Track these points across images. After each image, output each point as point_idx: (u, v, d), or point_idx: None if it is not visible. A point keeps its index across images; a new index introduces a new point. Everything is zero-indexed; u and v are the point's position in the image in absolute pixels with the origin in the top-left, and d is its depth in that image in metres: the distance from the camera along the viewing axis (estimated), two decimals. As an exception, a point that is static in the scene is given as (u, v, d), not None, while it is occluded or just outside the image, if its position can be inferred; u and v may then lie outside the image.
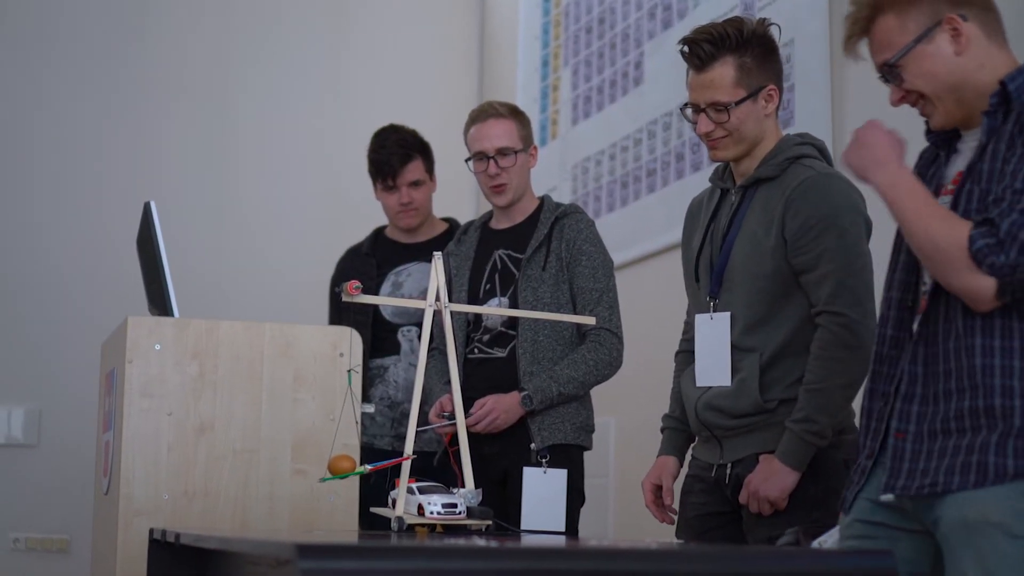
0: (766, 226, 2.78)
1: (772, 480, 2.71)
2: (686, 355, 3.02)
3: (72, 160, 5.53)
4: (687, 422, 2.96)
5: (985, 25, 2.20)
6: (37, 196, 5.48)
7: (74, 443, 4.97)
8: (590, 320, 2.90)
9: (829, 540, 2.37)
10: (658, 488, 2.96)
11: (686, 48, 2.83)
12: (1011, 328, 2.09)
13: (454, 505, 2.39)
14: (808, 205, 2.74)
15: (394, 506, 2.47)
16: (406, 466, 2.45)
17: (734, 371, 2.79)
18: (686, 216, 3.07)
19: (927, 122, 2.29)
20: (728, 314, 2.80)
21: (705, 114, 2.82)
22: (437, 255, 2.51)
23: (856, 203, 2.78)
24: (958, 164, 2.24)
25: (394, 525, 2.41)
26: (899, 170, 2.17)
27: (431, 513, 2.37)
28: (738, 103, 2.79)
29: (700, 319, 2.86)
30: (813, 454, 2.73)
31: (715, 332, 2.82)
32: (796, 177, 2.78)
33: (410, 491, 2.44)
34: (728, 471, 2.81)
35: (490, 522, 2.44)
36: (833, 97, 3.70)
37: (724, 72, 2.79)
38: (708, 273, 2.88)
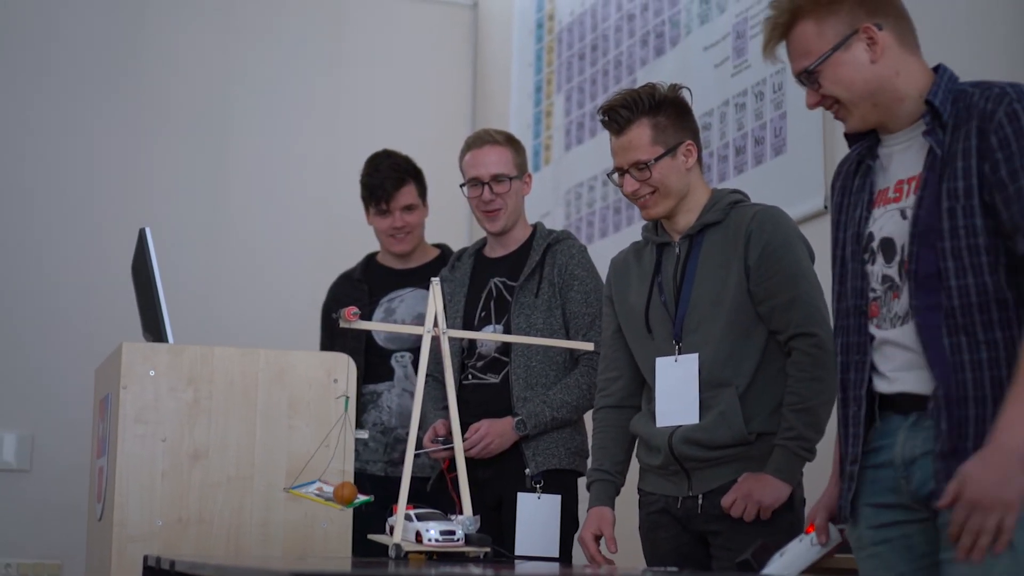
0: (724, 264, 2.90)
1: (768, 488, 2.79)
2: (612, 411, 3.10)
3: (67, 186, 5.54)
4: (614, 474, 3.08)
5: (899, 34, 2.29)
6: (32, 221, 5.49)
7: (67, 468, 4.96)
8: (587, 346, 2.92)
9: (791, 549, 2.40)
10: (597, 539, 3.03)
11: (604, 117, 2.98)
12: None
13: (452, 532, 2.37)
14: (765, 235, 2.87)
15: (391, 533, 2.44)
16: (403, 493, 2.43)
17: (707, 407, 2.87)
18: (610, 275, 3.17)
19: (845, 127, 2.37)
20: (695, 355, 2.87)
21: (629, 175, 2.94)
22: (435, 281, 2.51)
23: (800, 232, 2.96)
24: (893, 171, 2.31)
25: (391, 553, 2.39)
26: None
27: (429, 540, 2.35)
28: (657, 159, 2.92)
29: (662, 363, 2.93)
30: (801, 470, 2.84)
31: (680, 374, 2.89)
32: (744, 214, 2.92)
33: (408, 518, 2.41)
34: (700, 502, 2.86)
35: (488, 549, 2.43)
36: (825, 124, 3.72)
37: (640, 133, 2.94)
38: (665, 322, 2.95)
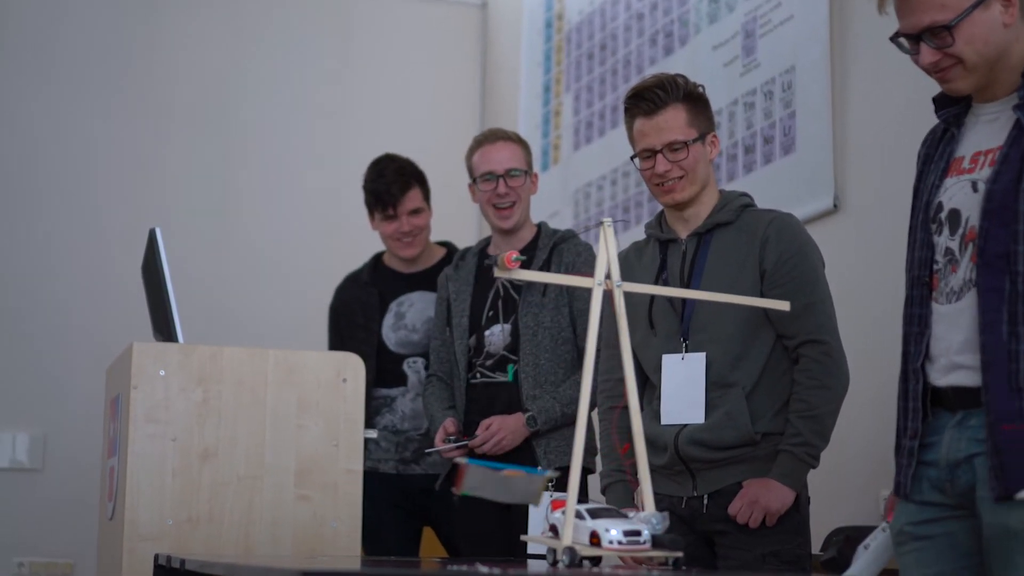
0: (738, 265, 2.89)
1: (774, 493, 2.79)
2: (621, 411, 3.02)
3: (77, 187, 5.56)
4: (632, 474, 3.00)
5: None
6: (42, 222, 5.51)
7: (79, 468, 4.98)
8: (783, 305, 2.49)
9: (873, 542, 2.38)
10: None
11: (634, 99, 2.96)
12: None
13: (638, 533, 1.98)
14: (782, 242, 2.88)
15: (554, 533, 2.07)
16: (573, 485, 2.00)
17: (713, 406, 2.86)
18: None
19: (941, 92, 2.26)
20: (703, 354, 2.87)
21: (662, 155, 2.92)
22: (607, 222, 2.14)
23: (814, 241, 2.96)
24: (973, 141, 2.24)
25: (563, 559, 1.97)
26: None
27: (610, 543, 1.96)
28: (693, 141, 2.92)
29: (669, 360, 2.92)
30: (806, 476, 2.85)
31: (687, 372, 2.88)
32: (760, 219, 2.93)
33: (578, 515, 2.02)
34: (705, 502, 2.86)
35: (680, 553, 2.02)
36: (834, 123, 3.72)
37: (676, 114, 2.94)
38: (670, 319, 2.94)
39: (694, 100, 2.96)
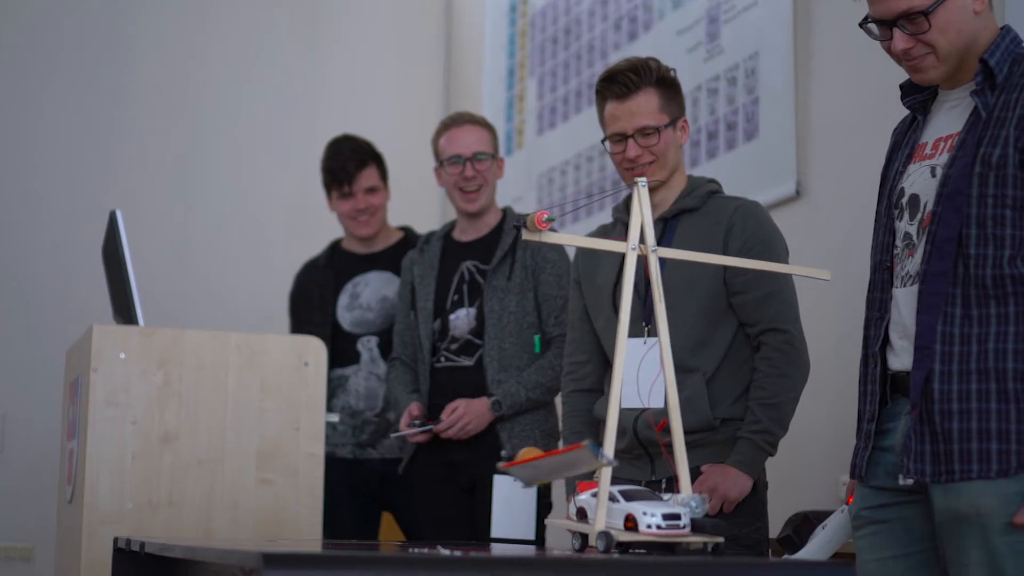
0: (703, 251, 2.85)
1: (732, 481, 2.81)
2: (583, 395, 3.09)
3: (37, 168, 5.50)
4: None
5: None
6: (1, 204, 5.45)
7: (38, 451, 4.94)
8: (824, 274, 2.59)
9: (831, 523, 2.40)
10: None
11: (606, 82, 2.95)
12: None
13: (677, 517, 1.80)
14: (747, 230, 2.89)
15: (580, 516, 1.91)
16: (607, 471, 1.82)
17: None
18: (578, 257, 3.16)
19: (908, 79, 2.27)
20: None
21: (633, 140, 2.91)
22: (640, 182, 1.99)
23: (779, 230, 2.96)
24: (936, 127, 2.26)
25: (599, 544, 1.79)
26: None
27: (648, 528, 1.77)
28: (664, 127, 2.92)
29: (631, 344, 2.91)
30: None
31: (648, 356, 2.88)
32: (726, 206, 2.93)
33: (612, 498, 1.83)
34: (663, 486, 2.88)
35: (722, 539, 1.85)
36: (797, 110, 3.73)
37: (649, 99, 2.93)
38: (633, 303, 2.92)
39: (666, 85, 2.96)
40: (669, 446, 2.81)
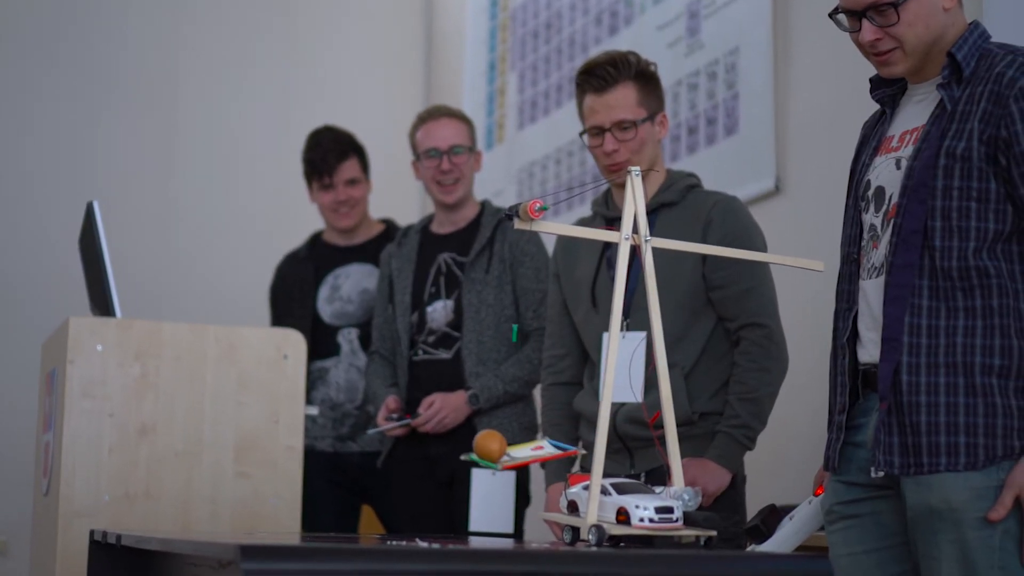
0: None
1: (711, 475, 2.81)
2: (562, 388, 3.09)
3: (13, 158, 5.47)
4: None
5: None
6: (-23, 194, 5.43)
7: (13, 443, 4.91)
8: (818, 265, 2.46)
9: (798, 514, 2.40)
10: None
11: (585, 75, 2.94)
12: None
13: (670, 510, 1.81)
14: (726, 224, 2.89)
15: (571, 510, 1.89)
16: (598, 467, 1.82)
17: (652, 385, 2.85)
18: (557, 250, 3.15)
19: (877, 74, 2.28)
20: (643, 333, 2.86)
21: (611, 134, 2.91)
22: (634, 171, 1.97)
23: (758, 225, 2.96)
24: (903, 120, 2.26)
25: (591, 537, 1.78)
26: None
27: (641, 521, 1.77)
28: (643, 121, 2.92)
29: (608, 338, 2.91)
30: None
31: (627, 350, 2.88)
32: (704, 200, 2.93)
33: (604, 491, 1.83)
34: (642, 480, 2.87)
35: (715, 533, 1.86)
36: (776, 105, 3.74)
37: (627, 93, 2.93)
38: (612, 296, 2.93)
39: (645, 79, 2.96)
40: (662, 439, 2.83)
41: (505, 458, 1.91)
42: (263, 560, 1.43)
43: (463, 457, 2.19)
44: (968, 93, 2.15)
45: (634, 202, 1.93)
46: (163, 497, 2.85)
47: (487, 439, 1.96)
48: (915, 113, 2.25)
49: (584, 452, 2.45)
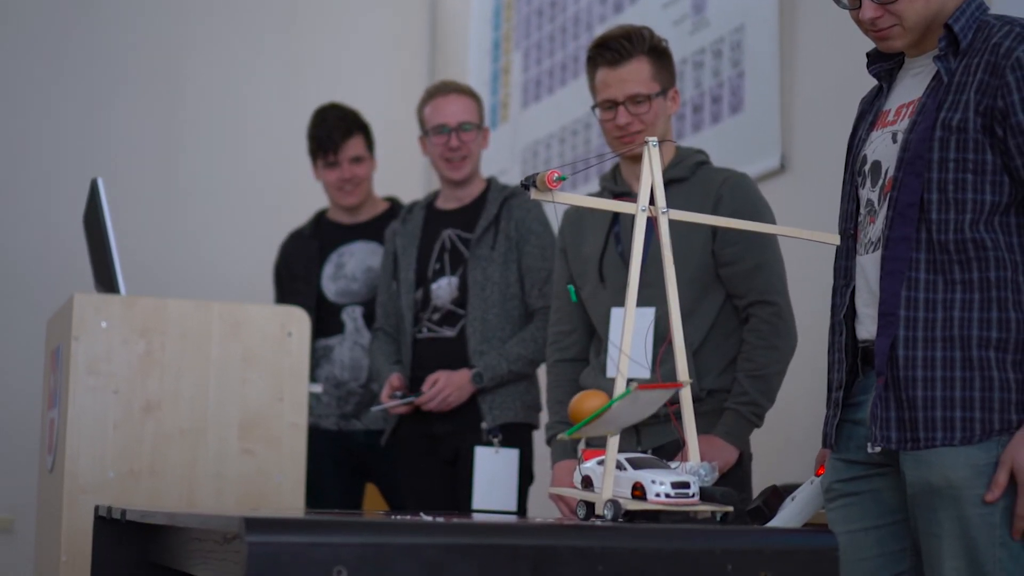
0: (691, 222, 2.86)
1: (718, 451, 2.81)
2: (568, 365, 3.09)
3: (18, 135, 5.47)
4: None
5: None
6: (-18, 172, 5.43)
7: (18, 420, 4.92)
8: (834, 239, 2.55)
9: (800, 494, 2.40)
10: None
11: (599, 48, 2.94)
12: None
13: (686, 485, 1.75)
14: (736, 200, 2.88)
15: (586, 485, 1.84)
16: (613, 441, 1.77)
17: (660, 361, 2.85)
18: (563, 227, 3.15)
19: (876, 48, 2.27)
20: (652, 308, 2.85)
21: (624, 107, 2.90)
22: (651, 141, 1.91)
23: (767, 202, 2.96)
24: (900, 94, 2.26)
25: (606, 512, 1.75)
26: None
27: (657, 496, 1.72)
28: (656, 95, 2.92)
29: (617, 313, 2.92)
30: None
31: (636, 326, 2.87)
32: (714, 177, 2.93)
33: (620, 466, 1.78)
34: None
35: (732, 508, 1.80)
36: (782, 83, 3.73)
37: (641, 67, 2.93)
38: (620, 272, 2.93)
39: (658, 54, 2.96)
40: (677, 413, 2.82)
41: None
42: (268, 533, 1.43)
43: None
44: (964, 64, 2.14)
45: (651, 173, 1.86)
46: (168, 474, 2.85)
47: (588, 399, 1.84)
48: (912, 86, 2.24)
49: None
